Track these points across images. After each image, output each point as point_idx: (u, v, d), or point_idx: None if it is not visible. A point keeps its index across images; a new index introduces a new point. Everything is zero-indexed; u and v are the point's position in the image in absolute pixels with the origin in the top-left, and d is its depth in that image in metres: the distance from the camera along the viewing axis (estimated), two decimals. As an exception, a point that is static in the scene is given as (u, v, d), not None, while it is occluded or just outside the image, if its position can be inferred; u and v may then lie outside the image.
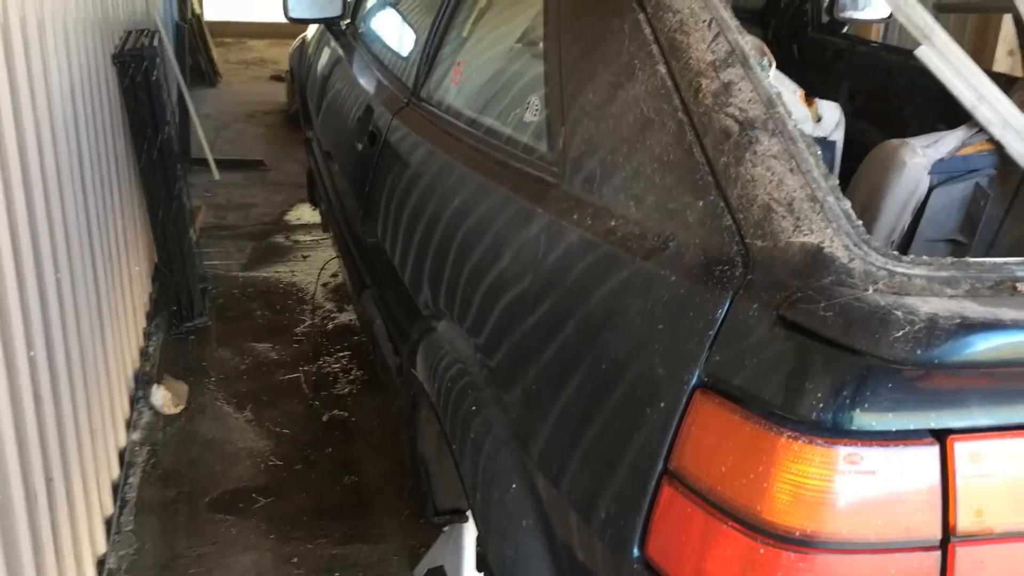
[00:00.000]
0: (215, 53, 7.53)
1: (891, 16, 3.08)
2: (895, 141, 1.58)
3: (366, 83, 2.40)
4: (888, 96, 2.70)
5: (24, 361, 1.66)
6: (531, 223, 1.31)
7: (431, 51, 1.97)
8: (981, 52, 3.63)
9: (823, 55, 3.08)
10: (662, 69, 1.18)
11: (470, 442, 1.32)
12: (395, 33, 2.52)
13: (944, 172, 1.57)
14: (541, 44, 1.48)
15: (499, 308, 1.32)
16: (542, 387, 1.19)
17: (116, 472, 2.50)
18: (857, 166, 1.77)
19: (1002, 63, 3.57)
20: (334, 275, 3.98)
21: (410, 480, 2.60)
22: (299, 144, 5.83)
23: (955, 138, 1.57)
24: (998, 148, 1.58)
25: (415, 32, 2.29)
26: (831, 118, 1.73)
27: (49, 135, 2.00)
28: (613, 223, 1.15)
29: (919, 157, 1.53)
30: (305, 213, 4.70)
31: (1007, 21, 3.53)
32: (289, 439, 2.81)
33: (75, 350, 2.11)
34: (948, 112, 1.89)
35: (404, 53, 2.25)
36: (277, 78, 7.61)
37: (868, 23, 3.75)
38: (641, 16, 1.25)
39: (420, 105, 1.92)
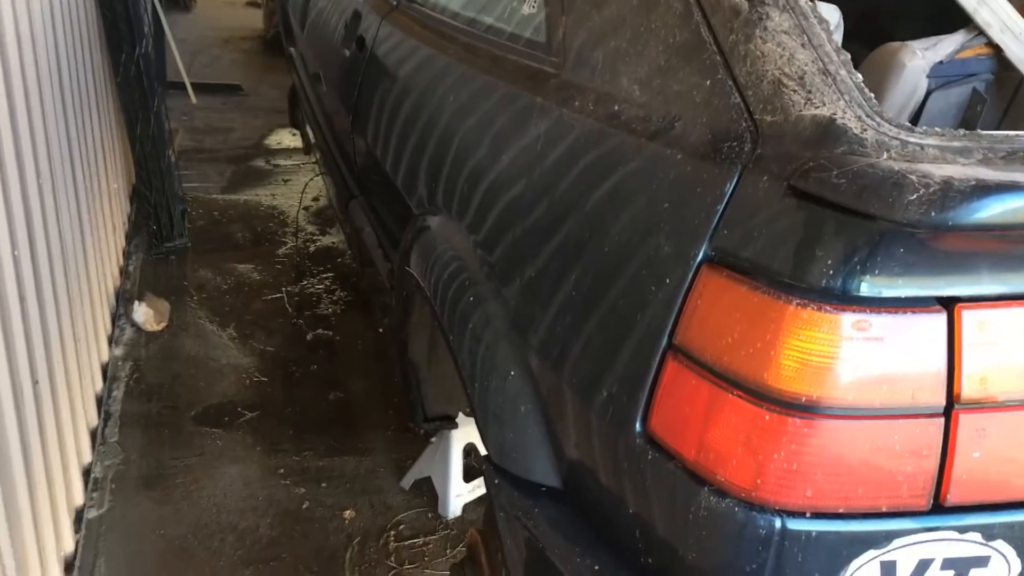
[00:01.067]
0: (189, -23, 7.34)
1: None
2: (894, 44, 1.56)
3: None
4: (879, 16, 2.67)
5: (9, 260, 1.63)
6: (531, 114, 1.28)
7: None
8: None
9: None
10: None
11: (469, 333, 1.31)
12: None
13: (942, 76, 1.56)
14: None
15: (500, 201, 1.30)
16: (544, 276, 1.18)
17: (99, 385, 2.48)
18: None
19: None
20: (316, 199, 3.94)
21: (395, 397, 2.62)
22: (277, 70, 5.72)
23: (953, 41, 1.56)
24: (996, 52, 1.56)
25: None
26: (831, 19, 1.70)
27: (29, 44, 1.95)
28: (616, 107, 1.14)
29: (918, 59, 1.52)
30: (285, 138, 4.63)
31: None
32: (273, 356, 2.80)
33: (58, 258, 2.08)
34: (941, 31, 1.88)
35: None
36: (253, 4, 7.43)
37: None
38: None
39: (410, 6, 1.88)
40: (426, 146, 1.56)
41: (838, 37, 1.78)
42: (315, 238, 3.61)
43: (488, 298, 1.29)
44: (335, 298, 3.16)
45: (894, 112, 1.55)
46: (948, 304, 0.83)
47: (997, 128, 1.60)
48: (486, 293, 1.30)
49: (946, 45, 1.55)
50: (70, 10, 2.50)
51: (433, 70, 1.63)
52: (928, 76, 1.54)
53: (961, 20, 1.61)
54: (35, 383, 1.77)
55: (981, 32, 1.55)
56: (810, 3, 1.01)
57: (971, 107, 1.59)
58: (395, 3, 1.95)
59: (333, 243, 3.56)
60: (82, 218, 2.43)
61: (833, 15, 1.75)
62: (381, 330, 2.95)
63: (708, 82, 1.03)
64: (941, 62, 1.54)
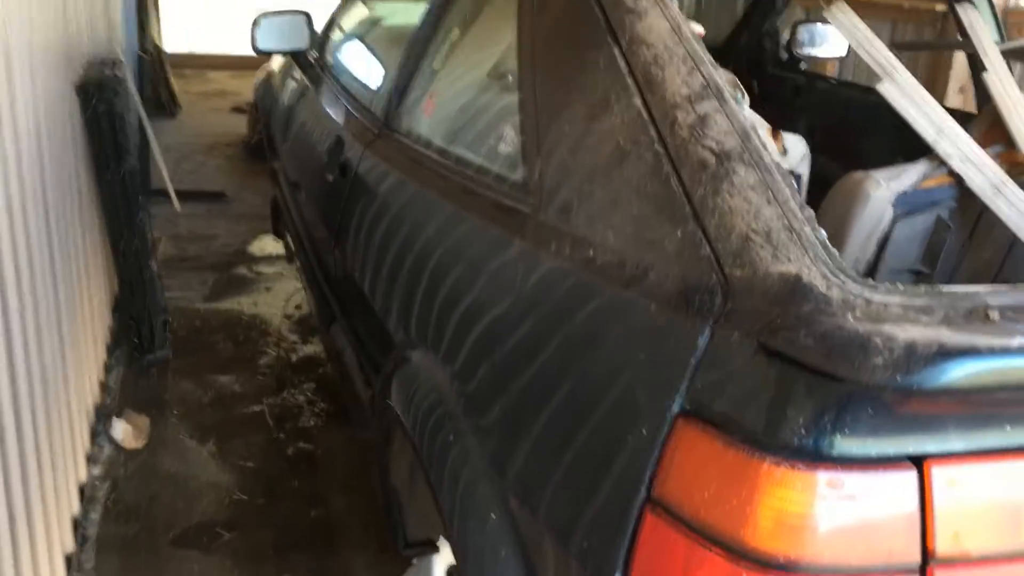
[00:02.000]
0: (175, 84, 7.49)
1: (847, 53, 3.17)
2: (859, 174, 1.62)
3: (335, 114, 2.41)
4: (846, 130, 2.77)
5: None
6: (507, 252, 1.32)
7: (402, 83, 1.98)
8: (932, 89, 3.74)
9: (783, 91, 3.16)
10: (637, 102, 1.21)
11: (447, 472, 1.31)
12: (364, 65, 2.53)
13: (907, 204, 1.61)
14: (515, 75, 1.50)
15: (475, 337, 1.32)
16: (520, 415, 1.20)
17: (76, 508, 2.44)
18: (818, 198, 1.81)
19: (953, 99, 3.68)
20: (298, 307, 3.96)
21: (378, 514, 2.59)
22: (260, 176, 5.80)
23: (917, 171, 1.62)
24: (958, 181, 1.62)
25: (384, 64, 2.31)
26: (796, 151, 1.77)
27: (15, 165, 1.98)
28: (591, 252, 1.17)
29: (883, 190, 1.57)
30: (268, 244, 4.67)
31: (958, 59, 3.64)
32: (253, 473, 2.77)
33: (38, 383, 2.08)
34: (904, 145, 1.95)
35: (374, 85, 2.26)
36: (238, 110, 7.58)
37: (825, 60, 3.85)
38: (616, 49, 1.28)
39: (392, 136, 1.93)
40: (407, 278, 1.59)
41: (805, 168, 1.85)
42: (296, 347, 3.61)
43: (467, 436, 1.30)
44: (316, 410, 3.15)
45: (861, 240, 1.60)
46: (918, 461, 0.85)
47: (961, 255, 1.65)
48: (465, 431, 1.31)
49: (910, 175, 1.61)
50: (57, 129, 2.54)
51: (414, 202, 1.67)
52: (893, 205, 1.60)
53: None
54: (12, 521, 1.74)
55: (943, 162, 1.61)
56: (774, 160, 1.05)
57: (936, 234, 1.64)
58: (377, 132, 2.01)
59: (314, 352, 3.56)
60: (64, 339, 2.43)
61: (799, 147, 1.82)
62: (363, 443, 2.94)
63: (679, 233, 1.06)
64: (905, 192, 1.60)
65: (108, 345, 3.34)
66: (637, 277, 1.08)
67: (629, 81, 1.24)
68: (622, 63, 1.25)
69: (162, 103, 7.08)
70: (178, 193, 5.08)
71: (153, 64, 6.72)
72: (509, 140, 1.48)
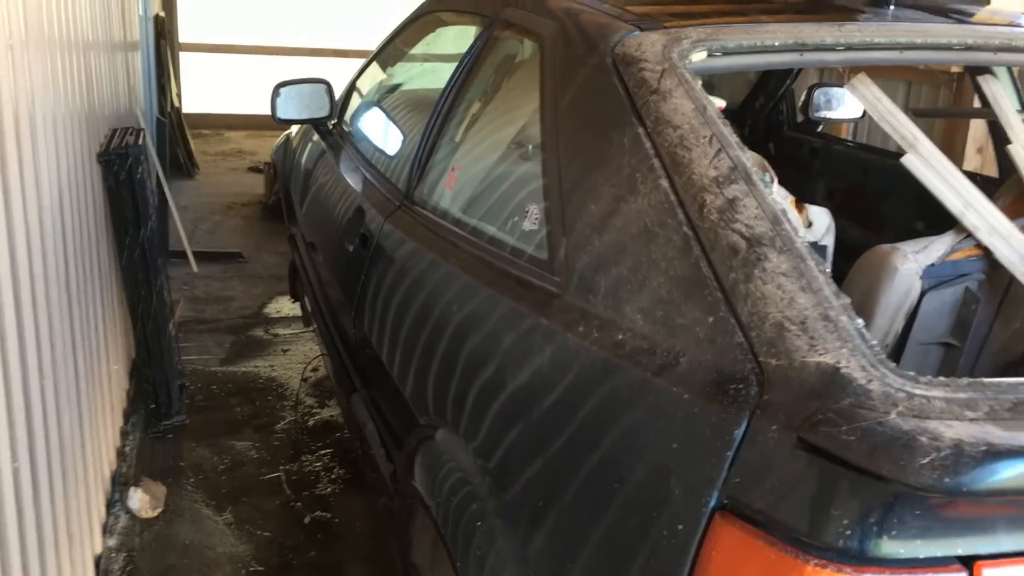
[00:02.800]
0: (193, 145, 7.58)
1: (863, 115, 3.18)
2: (886, 247, 1.60)
3: (355, 183, 2.42)
4: (865, 193, 2.76)
5: (8, 474, 1.62)
6: (531, 331, 1.30)
7: (423, 154, 1.99)
8: (951, 148, 3.74)
9: (799, 153, 3.16)
10: (664, 183, 1.20)
11: (473, 557, 1.29)
12: (385, 134, 2.56)
13: (935, 277, 1.60)
14: (538, 151, 1.50)
15: (502, 420, 1.30)
16: (549, 504, 1.17)
17: (91, 582, 2.41)
18: (837, 262, 1.80)
19: (972, 161, 3.68)
20: (315, 369, 3.94)
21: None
22: (277, 236, 5.84)
23: (944, 243, 1.60)
24: (986, 253, 1.60)
25: (405, 134, 2.33)
26: (821, 223, 1.76)
27: (38, 239, 1.99)
28: (620, 336, 1.15)
29: (910, 263, 1.55)
30: (284, 306, 4.68)
31: (975, 121, 3.65)
32: (270, 542, 2.73)
33: (56, 458, 2.06)
34: (924, 210, 1.94)
35: (394, 155, 2.27)
36: (255, 169, 7.66)
37: (841, 122, 3.86)
38: (641, 130, 1.28)
39: (413, 209, 1.94)
40: (430, 356, 1.57)
41: (830, 239, 1.84)
42: (314, 411, 3.59)
43: (491, 518, 1.28)
44: (333, 476, 3.11)
45: (890, 313, 1.58)
46: (969, 563, 0.82)
47: (990, 327, 1.62)
48: (489, 513, 1.28)
49: (937, 247, 1.60)
50: (78, 196, 2.56)
51: (436, 278, 1.66)
52: (921, 278, 1.58)
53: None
54: None
55: (970, 235, 1.60)
56: (806, 244, 1.04)
57: (965, 306, 1.62)
58: (398, 204, 2.01)
59: (332, 416, 3.54)
60: (82, 410, 2.42)
61: (824, 219, 1.81)
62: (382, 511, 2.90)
63: (711, 319, 1.05)
64: (933, 264, 1.58)
65: (125, 410, 3.33)
66: (668, 364, 1.06)
67: (655, 162, 1.23)
68: (648, 144, 1.25)
69: (180, 164, 7.16)
70: (195, 254, 5.12)
71: (172, 126, 6.81)
72: (533, 216, 1.47)
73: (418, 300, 1.69)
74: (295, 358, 4.07)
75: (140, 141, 3.38)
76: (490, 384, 1.36)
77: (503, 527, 1.24)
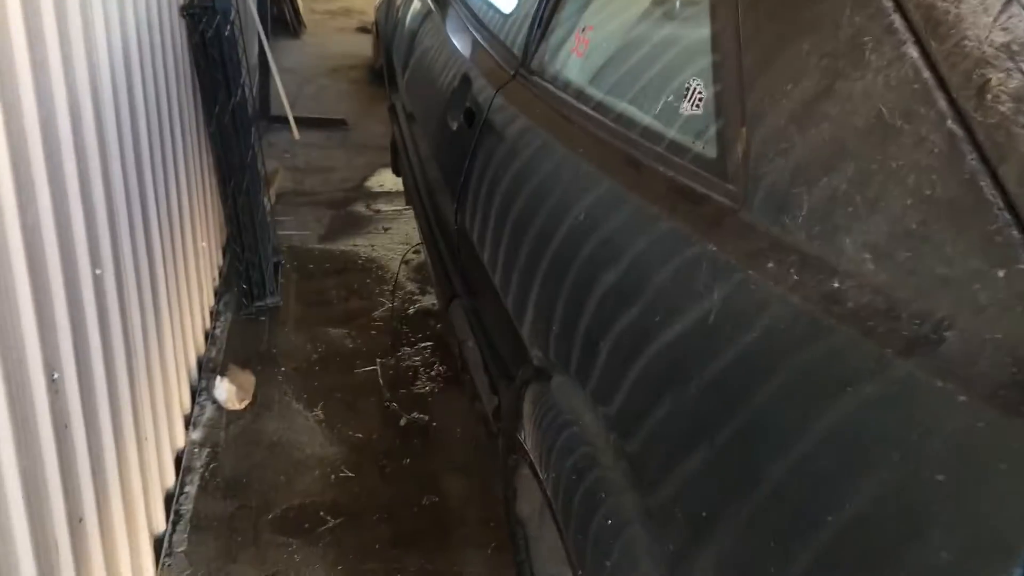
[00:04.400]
0: (300, 2, 7.24)
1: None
2: None
3: (463, 47, 2.03)
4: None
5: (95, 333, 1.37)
6: (697, 266, 0.93)
7: (545, 11, 1.59)
8: None
9: None
10: (913, 52, 0.79)
11: (597, 561, 0.96)
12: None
13: None
14: (706, 7, 1.09)
15: (648, 384, 0.95)
16: (715, 510, 0.83)
17: (171, 481, 2.23)
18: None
19: None
20: (416, 251, 3.66)
21: (495, 506, 2.29)
22: (384, 102, 5.51)
23: None
24: None
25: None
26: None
27: (110, 94, 1.72)
28: (837, 284, 0.77)
29: None
30: (388, 179, 4.38)
31: None
32: (363, 445, 2.50)
33: (139, 343, 1.88)
34: None
35: (511, 11, 1.86)
36: (363, 30, 7.29)
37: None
38: (871, -29, 0.86)
39: (531, 80, 1.55)
40: (547, 277, 1.22)
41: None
42: (414, 298, 3.32)
43: (631, 517, 0.94)
44: (432, 373, 2.86)
45: None
46: None
47: None
48: (628, 508, 0.95)
49: None
50: (156, 53, 2.27)
51: (560, 173, 1.28)
52: None
53: None
54: (103, 492, 1.54)
55: None
56: None
57: None
58: (512, 73, 1.62)
59: (433, 304, 3.27)
60: (167, 289, 2.20)
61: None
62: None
63: (1002, 273, 0.66)
64: None
65: (217, 288, 3.13)
66: (924, 339, 0.68)
67: (896, 19, 0.82)
68: None
69: (287, 22, 6.84)
70: (298, 120, 4.84)
71: (277, -19, 6.46)
72: (695, 96, 1.08)
73: (534, 200, 1.32)
74: (396, 237, 3.79)
75: (232, -6, 3.04)
76: (631, 330, 1.00)
77: (643, 532, 0.91)
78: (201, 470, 2.36)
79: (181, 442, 2.39)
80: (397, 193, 4.18)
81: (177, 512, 2.19)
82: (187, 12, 2.71)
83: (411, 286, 3.40)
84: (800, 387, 0.77)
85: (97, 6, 1.75)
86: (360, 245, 3.71)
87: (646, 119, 1.16)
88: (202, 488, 2.29)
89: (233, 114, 2.93)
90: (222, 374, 2.65)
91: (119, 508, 1.73)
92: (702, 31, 1.10)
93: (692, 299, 0.91)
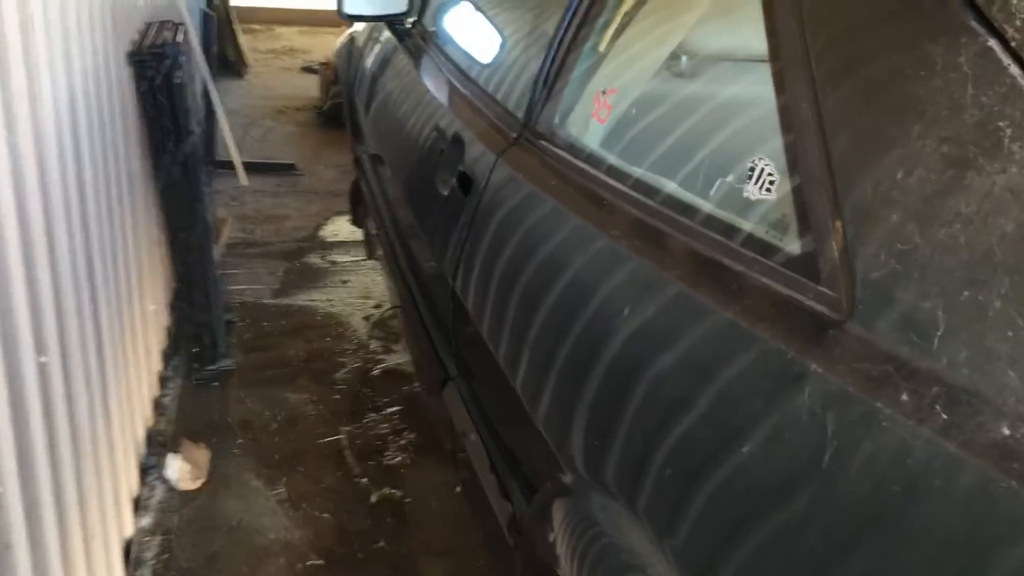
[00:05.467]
0: (243, 41, 7.02)
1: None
2: None
3: (448, 102, 1.87)
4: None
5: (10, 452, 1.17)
6: (796, 386, 0.78)
7: (550, 68, 1.44)
8: None
9: None
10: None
11: None
12: (487, 37, 1.98)
13: None
14: (774, 70, 0.95)
15: (743, 534, 0.79)
16: None
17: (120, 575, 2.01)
18: None
19: None
20: (377, 306, 3.47)
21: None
22: (333, 145, 5.32)
23: None
24: None
25: (519, 37, 1.76)
26: None
27: (53, 157, 1.52)
28: (1008, 431, 0.63)
29: None
30: (343, 228, 4.19)
31: None
32: (332, 528, 2.30)
33: (83, 419, 1.66)
34: None
35: (502, 66, 1.72)
36: (308, 70, 7.10)
37: None
38: (994, 41, 0.73)
39: (539, 145, 1.39)
40: (583, 381, 1.06)
41: None
42: (377, 358, 3.13)
43: None
44: (403, 441, 2.67)
45: None
46: None
47: None
48: None
49: None
50: (102, 108, 2.06)
51: (593, 257, 1.12)
52: None
53: None
54: None
55: None
56: None
57: None
58: (515, 136, 1.47)
59: (398, 364, 3.08)
60: (105, 366, 1.97)
61: None
62: (459, 489, 2.46)
63: None
64: None
65: (165, 351, 2.90)
66: None
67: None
68: (1005, 58, 0.71)
69: (229, 62, 6.62)
70: (245, 165, 4.63)
71: (220, 21, 6.25)
72: (763, 175, 0.94)
73: (561, 285, 1.16)
74: (355, 291, 3.60)
75: (180, 38, 2.85)
76: (707, 458, 0.84)
77: None
78: (152, 562, 2.13)
79: (130, 530, 2.15)
80: (354, 243, 3.99)
81: (127, 614, 1.96)
82: (135, 59, 2.51)
83: (374, 344, 3.21)
84: (957, 550, 0.62)
85: (41, 54, 1.56)
86: (317, 300, 3.51)
87: (698, 201, 1.02)
88: (155, 584, 2.06)
89: (184, 164, 2.73)
90: (174, 451, 2.42)
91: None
92: (764, 104, 0.96)
93: (796, 432, 0.76)
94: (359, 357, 3.11)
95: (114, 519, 2.00)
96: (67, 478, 1.58)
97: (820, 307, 0.81)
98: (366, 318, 3.38)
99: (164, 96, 2.62)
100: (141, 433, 2.43)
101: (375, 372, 3.04)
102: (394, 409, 2.82)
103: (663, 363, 0.93)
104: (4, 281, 1.29)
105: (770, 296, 0.86)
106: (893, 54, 0.82)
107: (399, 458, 2.59)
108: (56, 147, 1.63)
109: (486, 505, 1.44)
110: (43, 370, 1.46)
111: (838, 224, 0.81)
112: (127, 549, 2.11)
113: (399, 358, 3.11)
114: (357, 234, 3.91)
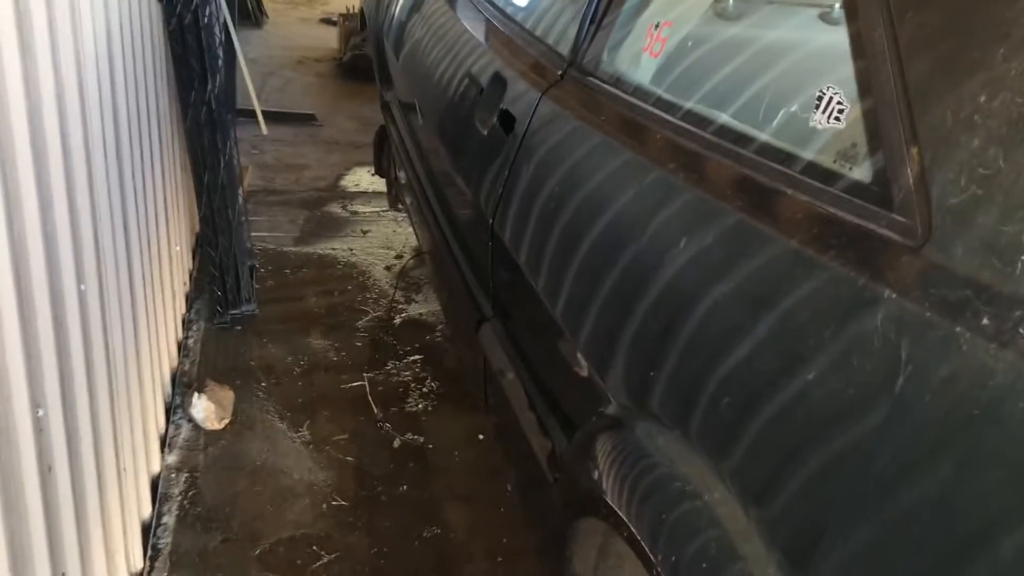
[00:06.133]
0: (262, -10, 6.97)
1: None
2: None
3: (486, 39, 1.85)
4: None
5: (32, 416, 1.17)
6: (869, 313, 0.77)
7: (599, 5, 1.42)
8: None
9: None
10: None
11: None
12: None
13: None
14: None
15: (813, 465, 0.79)
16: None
17: (148, 511, 2.02)
18: None
19: None
20: (398, 256, 3.47)
21: (505, 535, 2.12)
22: (353, 97, 5.29)
23: None
24: None
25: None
26: None
27: (80, 85, 1.50)
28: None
29: None
30: (363, 179, 4.18)
31: None
32: (355, 470, 2.31)
33: (114, 356, 1.67)
34: None
35: (547, 5, 1.69)
36: (327, 21, 7.05)
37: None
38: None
39: (586, 81, 1.37)
40: (642, 315, 1.05)
41: None
42: (399, 307, 3.13)
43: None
44: (425, 389, 2.67)
45: None
46: None
47: None
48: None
49: None
50: (132, 45, 2.04)
51: (647, 190, 1.11)
52: None
53: None
54: (81, 528, 1.33)
55: None
56: None
57: None
58: (561, 73, 1.45)
59: (420, 314, 3.08)
60: (136, 305, 1.98)
61: None
62: (481, 437, 2.47)
63: None
64: None
65: (188, 294, 2.90)
66: None
67: None
68: None
69: (248, 11, 6.57)
70: (265, 114, 4.61)
71: (240, -32, 6.19)
72: (831, 103, 0.92)
73: (610, 217, 1.15)
74: (376, 242, 3.59)
75: (208, -22, 2.82)
76: (771, 385, 0.84)
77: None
78: (179, 498, 2.14)
79: (157, 467, 2.17)
80: (375, 193, 3.98)
81: (155, 547, 1.98)
82: (164, -4, 2.48)
83: (395, 294, 3.20)
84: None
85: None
86: (338, 249, 3.50)
87: (759, 132, 1.00)
88: (181, 519, 2.08)
89: (210, 106, 2.71)
90: (199, 391, 2.43)
91: (101, 557, 1.53)
92: (829, 32, 0.94)
93: (866, 357, 0.75)
94: (380, 306, 3.11)
95: (143, 454, 2.02)
96: (103, 407, 1.59)
97: (893, 234, 0.80)
98: (387, 268, 3.37)
99: (192, 35, 2.60)
100: (167, 372, 2.44)
101: (396, 321, 3.04)
102: (416, 358, 2.82)
103: (721, 291, 0.93)
104: (48, 208, 1.29)
105: (838, 224, 0.85)
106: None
107: (421, 405, 2.60)
108: (95, 76, 1.62)
109: (518, 449, 1.44)
110: (82, 297, 1.45)
111: (914, 150, 0.80)
112: (155, 485, 2.13)
113: (421, 308, 3.11)
114: (378, 185, 3.91)
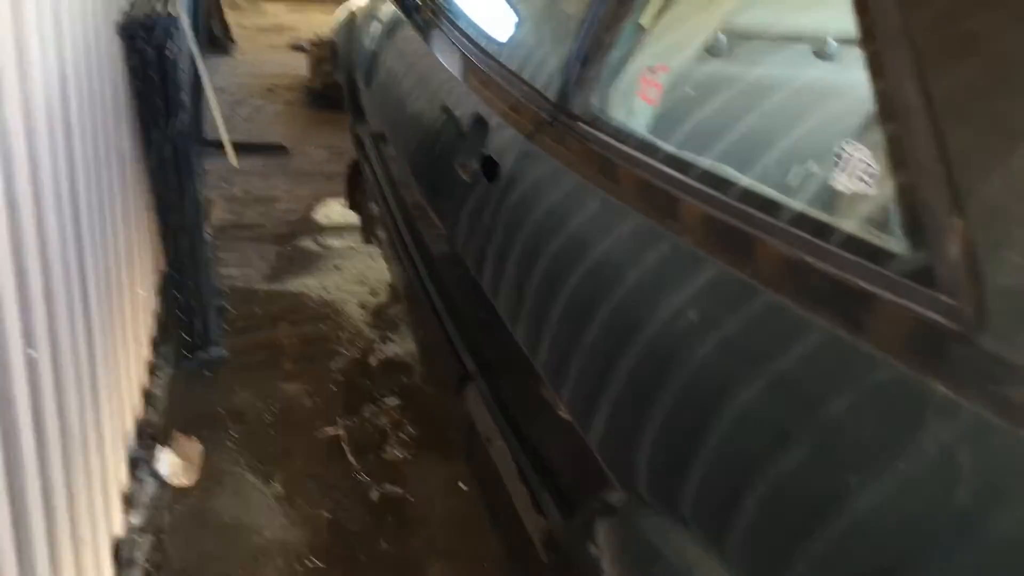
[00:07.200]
0: (229, 17, 6.85)
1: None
2: None
3: (464, 80, 1.76)
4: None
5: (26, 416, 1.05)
6: (917, 409, 0.68)
7: (585, 44, 1.33)
8: None
9: None
10: None
11: None
12: (507, 13, 1.86)
13: None
14: (864, 50, 0.85)
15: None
16: None
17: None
18: None
19: None
20: (374, 293, 3.36)
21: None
22: (324, 125, 5.18)
23: None
24: None
25: (544, 14, 1.64)
26: None
27: (44, 122, 1.40)
28: None
29: None
30: (334, 211, 4.06)
31: None
32: (331, 527, 2.20)
33: (71, 410, 1.55)
34: None
35: (530, 44, 1.60)
36: (297, 48, 6.94)
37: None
38: None
39: (576, 128, 1.28)
40: (656, 402, 0.95)
41: None
42: (375, 347, 3.02)
43: None
44: (403, 435, 2.56)
45: None
46: None
47: None
48: None
49: None
50: (91, 82, 1.93)
51: (650, 252, 1.02)
52: None
53: None
54: None
55: None
56: None
57: None
58: (549, 118, 1.36)
59: (397, 354, 2.97)
60: (95, 361, 1.85)
61: None
62: (463, 486, 2.36)
63: None
64: None
65: (154, 339, 2.77)
66: None
67: None
68: None
69: (215, 38, 6.45)
70: (234, 145, 4.48)
71: (207, -6, 6.07)
72: (856, 163, 0.83)
73: (622, 291, 1.05)
74: (350, 278, 3.48)
75: (170, 9, 2.71)
76: (818, 507, 0.74)
77: None
78: (144, 563, 2.02)
79: (119, 528, 2.04)
80: (347, 227, 3.87)
81: (117, 619, 1.85)
82: (125, 31, 2.37)
83: (371, 333, 3.09)
84: None
85: (31, 21, 1.43)
86: (311, 286, 3.39)
87: (773, 193, 0.92)
88: (146, 587, 1.95)
89: (175, 143, 2.60)
90: (165, 444, 2.31)
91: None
92: (852, 85, 0.86)
93: (919, 467, 0.66)
94: (356, 346, 3.00)
95: (103, 518, 1.89)
96: (56, 478, 1.47)
97: (936, 316, 0.71)
98: (362, 306, 3.26)
99: (155, 70, 2.49)
100: (130, 425, 2.31)
101: (372, 362, 2.93)
102: (393, 401, 2.71)
103: (751, 380, 0.83)
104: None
105: (873, 300, 0.76)
106: (1021, 25, 0.72)
107: (400, 454, 2.49)
108: (46, 124, 1.50)
109: (506, 519, 1.34)
110: (31, 364, 1.34)
111: (959, 223, 0.71)
112: (117, 549, 2.00)
113: (397, 348, 3.00)
114: (350, 217, 3.80)
